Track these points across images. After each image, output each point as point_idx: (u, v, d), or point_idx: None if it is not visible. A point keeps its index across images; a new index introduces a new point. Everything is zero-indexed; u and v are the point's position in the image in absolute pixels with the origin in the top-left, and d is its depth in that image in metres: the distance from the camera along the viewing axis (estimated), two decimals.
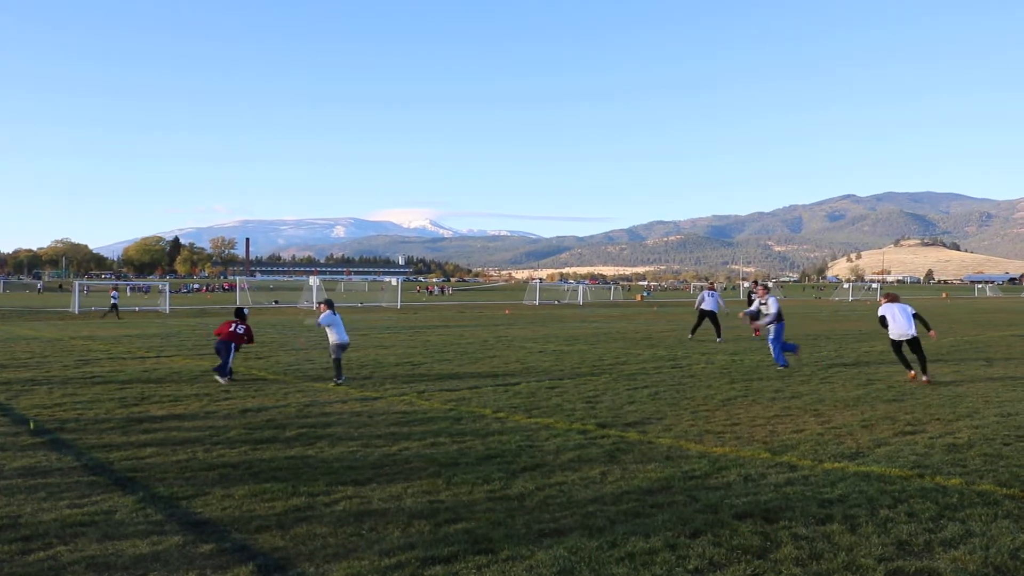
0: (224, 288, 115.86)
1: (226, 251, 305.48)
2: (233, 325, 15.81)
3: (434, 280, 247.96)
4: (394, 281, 67.73)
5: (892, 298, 15.89)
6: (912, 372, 15.18)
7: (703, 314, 25.34)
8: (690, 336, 25.21)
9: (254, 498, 7.03)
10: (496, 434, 9.88)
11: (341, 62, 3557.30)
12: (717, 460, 8.48)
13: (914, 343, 15.18)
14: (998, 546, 5.81)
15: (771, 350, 17.65)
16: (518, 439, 9.57)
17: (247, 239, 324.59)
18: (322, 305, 15.75)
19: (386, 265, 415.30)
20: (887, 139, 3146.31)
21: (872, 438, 9.71)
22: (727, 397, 13.09)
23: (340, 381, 14.73)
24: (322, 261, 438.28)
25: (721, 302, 26.10)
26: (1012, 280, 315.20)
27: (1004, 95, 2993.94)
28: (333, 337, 15.14)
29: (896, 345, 15.50)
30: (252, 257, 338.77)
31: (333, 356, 15.13)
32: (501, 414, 11.36)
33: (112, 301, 43.16)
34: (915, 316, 15.46)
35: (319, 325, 15.57)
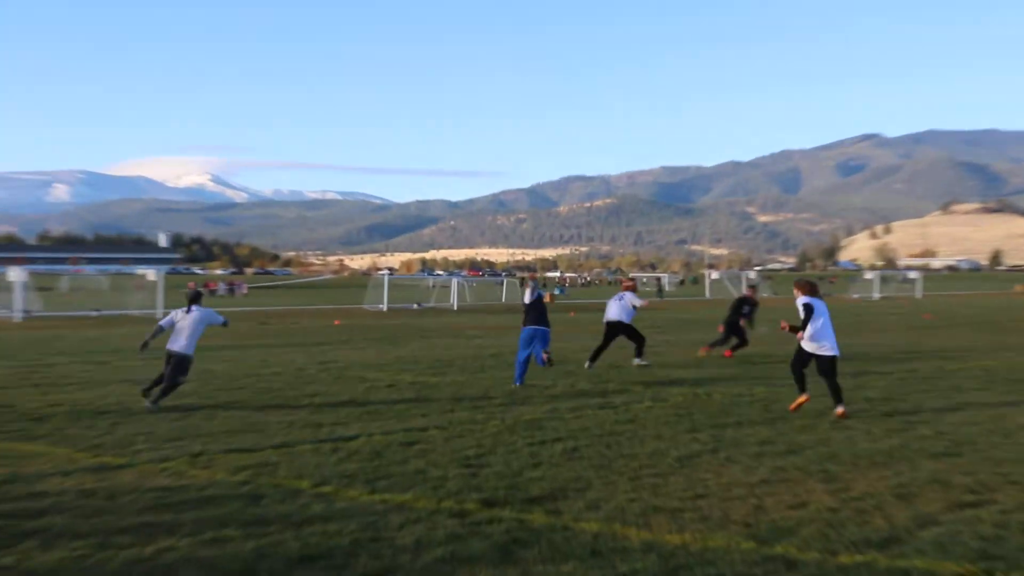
0: None
1: None
2: None
3: (218, 271, 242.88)
4: (153, 274, 66.02)
5: (812, 289, 17.50)
6: (805, 396, 16.92)
7: (610, 329, 25.54)
8: (588, 365, 25.00)
9: None
10: (319, 521, 9.72)
11: None
12: (673, 555, 8.52)
13: (829, 363, 17.01)
14: None
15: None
16: (354, 528, 9.44)
17: None
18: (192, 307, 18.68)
19: (139, 247, 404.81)
20: (926, 58, 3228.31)
21: (913, 514, 9.87)
22: (686, 453, 13.19)
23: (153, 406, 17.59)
24: (31, 241, 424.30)
25: (637, 301, 26.29)
26: None
27: None
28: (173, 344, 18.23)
29: (804, 359, 17.23)
30: None
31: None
32: (327, 488, 11.22)
33: None
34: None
35: (162, 328, 18.46)
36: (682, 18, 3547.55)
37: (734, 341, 28.34)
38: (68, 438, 14.66)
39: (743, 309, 29.03)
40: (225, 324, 19.51)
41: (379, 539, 9.11)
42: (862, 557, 8.45)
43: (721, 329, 28.53)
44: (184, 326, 18.26)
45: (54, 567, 8.33)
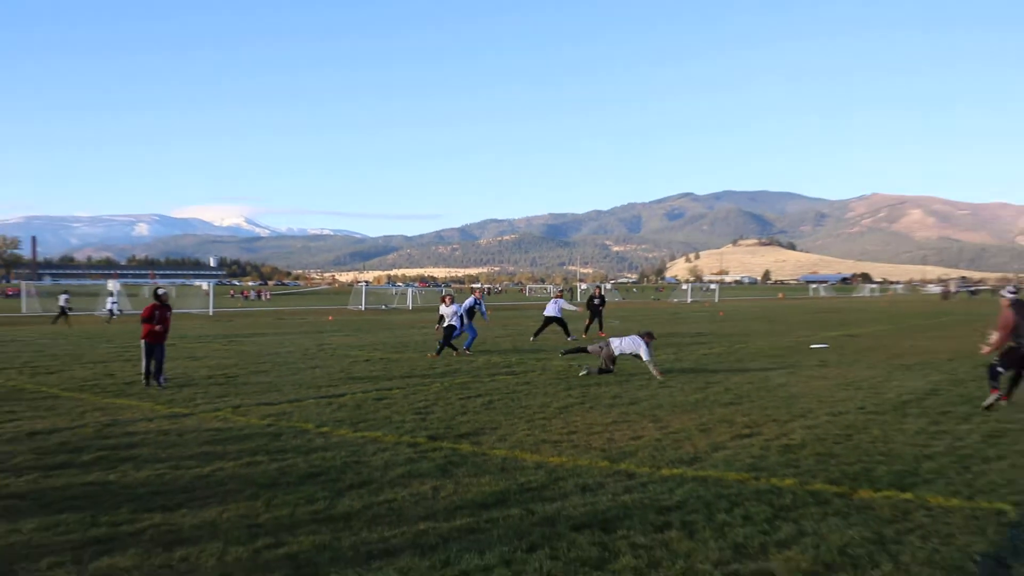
0: (7, 294, 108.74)
1: (7, 251, 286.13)
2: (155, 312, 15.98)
3: (250, 283, 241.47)
4: (205, 285, 65.38)
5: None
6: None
7: (548, 320, 27.95)
8: (533, 339, 27.50)
9: (46, 531, 6.67)
10: (320, 450, 9.72)
11: (138, 41, 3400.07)
12: (554, 470, 8.65)
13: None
14: (828, 544, 6.24)
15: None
16: (343, 455, 9.45)
17: (33, 237, 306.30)
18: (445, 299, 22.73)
19: (196, 267, 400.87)
20: (724, 136, 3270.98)
21: (710, 442, 10.10)
22: (564, 404, 13.27)
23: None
24: (123, 263, 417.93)
25: (568, 306, 29.08)
26: (844, 280, 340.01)
27: (834, 92, 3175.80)
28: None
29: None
30: (40, 258, 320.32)
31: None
32: (325, 428, 11.15)
33: (60, 304, 41.84)
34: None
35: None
36: (552, 97, 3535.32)
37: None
38: (150, 396, 14.48)
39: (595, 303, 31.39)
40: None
41: (360, 462, 9.11)
42: (676, 470, 8.63)
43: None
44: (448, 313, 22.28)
45: (144, 481, 8.30)
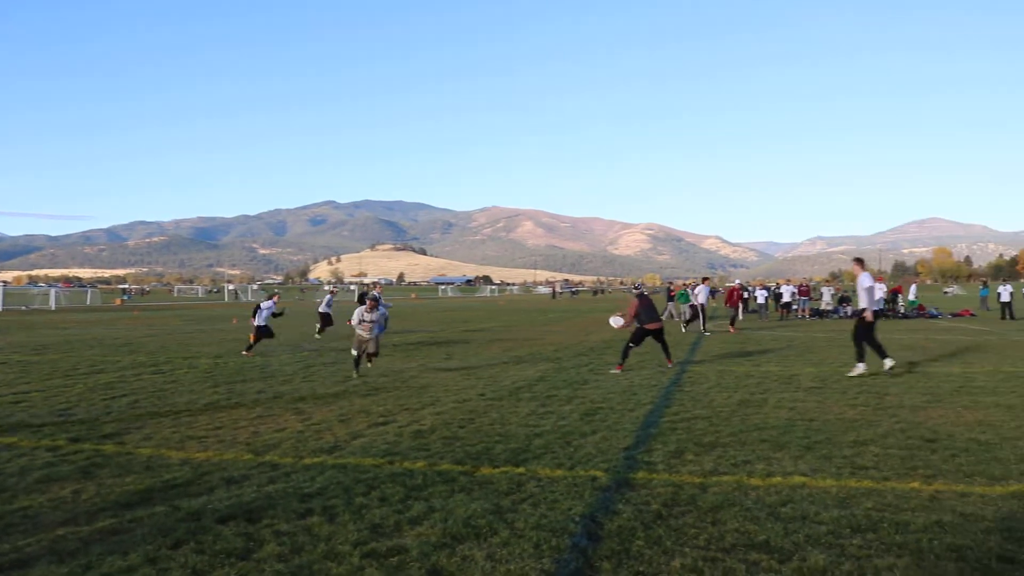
0: None
1: None
2: None
3: None
4: None
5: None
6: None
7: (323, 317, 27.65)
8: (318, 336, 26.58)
9: None
10: None
11: None
12: (200, 466, 8.25)
13: None
14: (454, 517, 6.42)
15: None
16: None
17: None
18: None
19: None
20: (363, 148, 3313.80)
21: (349, 431, 10.09)
22: (210, 401, 12.77)
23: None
24: None
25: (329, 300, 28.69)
26: (468, 282, 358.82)
27: (470, 114, 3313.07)
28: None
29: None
30: None
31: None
32: None
33: None
34: None
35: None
36: (201, 97, 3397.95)
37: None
38: None
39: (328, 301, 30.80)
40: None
41: None
42: (318, 459, 8.51)
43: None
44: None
45: None
